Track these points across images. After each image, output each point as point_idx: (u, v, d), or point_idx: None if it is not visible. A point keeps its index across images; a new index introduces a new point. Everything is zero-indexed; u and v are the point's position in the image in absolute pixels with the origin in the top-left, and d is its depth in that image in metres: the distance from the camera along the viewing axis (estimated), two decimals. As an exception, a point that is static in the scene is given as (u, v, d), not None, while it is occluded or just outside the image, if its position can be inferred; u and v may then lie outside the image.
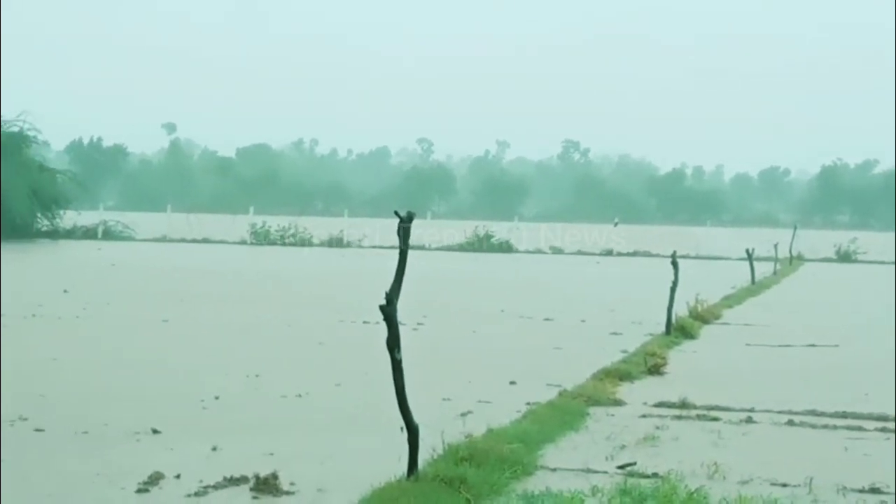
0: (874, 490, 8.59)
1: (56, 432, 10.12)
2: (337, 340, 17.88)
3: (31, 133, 61.84)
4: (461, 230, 59.98)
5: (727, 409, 12.00)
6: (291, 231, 60.48)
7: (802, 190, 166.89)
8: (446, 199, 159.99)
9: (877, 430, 11.08)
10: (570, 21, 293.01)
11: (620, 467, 9.08)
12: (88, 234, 60.86)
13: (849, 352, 17.90)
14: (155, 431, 10.17)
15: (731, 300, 27.34)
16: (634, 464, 9.16)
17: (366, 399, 12.06)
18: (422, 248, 52.27)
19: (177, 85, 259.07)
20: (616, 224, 65.61)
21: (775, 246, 43.35)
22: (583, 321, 21.61)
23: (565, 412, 11.41)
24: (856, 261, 54.92)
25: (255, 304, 24.07)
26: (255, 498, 8.02)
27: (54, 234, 59.57)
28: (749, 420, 11.51)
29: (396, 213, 8.21)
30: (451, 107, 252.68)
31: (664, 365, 15.00)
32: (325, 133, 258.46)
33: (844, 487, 8.62)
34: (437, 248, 55.82)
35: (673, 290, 19.68)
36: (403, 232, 8.18)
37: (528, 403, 11.97)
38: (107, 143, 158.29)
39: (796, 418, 11.60)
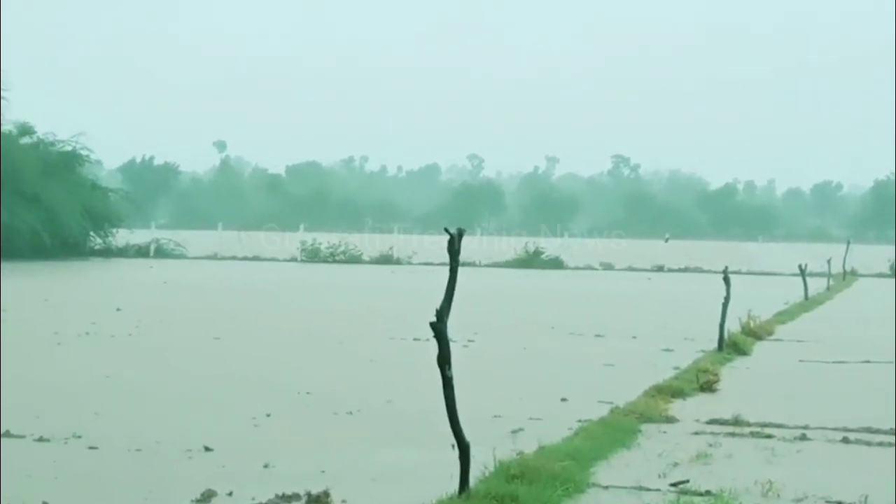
0: (931, 508, 8.48)
1: (109, 450, 10.17)
2: (388, 357, 17.89)
3: (83, 152, 62.45)
4: (511, 246, 59.97)
5: (781, 427, 11.89)
6: (342, 248, 60.64)
7: (855, 204, 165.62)
8: (496, 215, 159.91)
9: (933, 447, 10.94)
10: (620, 36, 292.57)
11: (673, 485, 9.01)
12: (140, 252, 61.28)
13: (904, 368, 17.69)
14: (207, 449, 10.20)
15: (784, 316, 27.11)
16: (687, 481, 9.10)
17: (417, 416, 12.04)
18: (472, 264, 52.26)
19: (227, 103, 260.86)
20: (667, 240, 65.46)
21: (828, 261, 42.98)
22: (634, 337, 21.51)
23: (617, 429, 11.34)
24: (910, 276, 54.33)
25: (305, 321, 24.13)
26: (306, 515, 8.02)
27: (107, 253, 60.04)
28: (803, 437, 11.40)
29: (446, 230, 8.20)
30: (501, 123, 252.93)
31: (717, 382, 14.88)
32: (375, 150, 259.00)
33: (901, 505, 8.52)
34: (487, 265, 55.78)
35: (725, 305, 19.54)
36: (453, 248, 8.17)
37: (579, 420, 11.92)
38: (158, 161, 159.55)
39: (851, 435, 11.47)
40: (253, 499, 8.34)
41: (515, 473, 8.62)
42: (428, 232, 77.89)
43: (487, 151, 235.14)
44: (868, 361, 18.28)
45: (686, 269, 55.63)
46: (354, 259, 59.25)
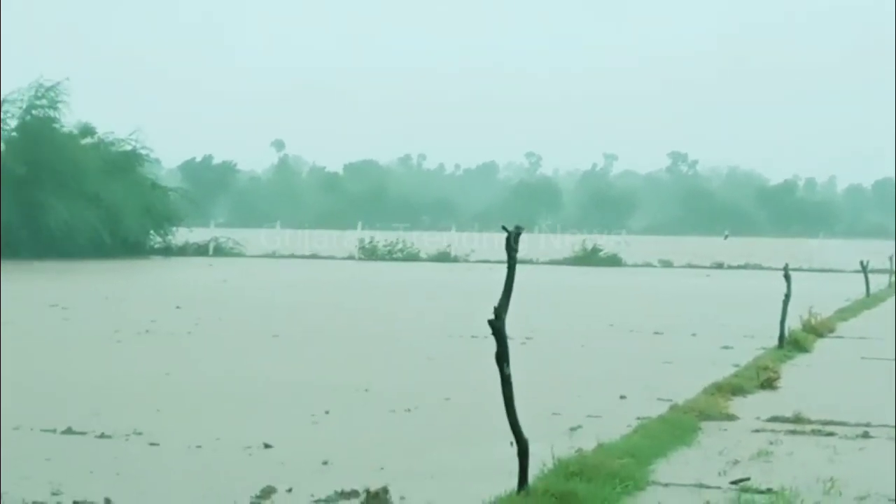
0: None
1: (170, 447, 10.24)
2: (446, 355, 17.89)
3: (143, 151, 62.97)
4: (569, 244, 59.83)
5: (842, 424, 11.77)
6: (399, 246, 60.78)
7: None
8: (553, 212, 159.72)
9: None
10: (678, 34, 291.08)
11: (734, 483, 8.94)
12: (200, 250, 61.73)
13: (968, 365, 17.46)
14: (266, 446, 10.25)
15: (845, 313, 26.85)
16: (748, 479, 9.02)
17: (475, 413, 12.04)
18: (529, 262, 52.14)
19: (285, 103, 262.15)
20: (726, 237, 65.12)
21: (890, 258, 42.46)
22: (693, 335, 21.38)
23: (677, 427, 11.28)
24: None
25: (363, 318, 24.19)
26: (365, 512, 8.04)
27: (166, 252, 60.54)
28: (865, 435, 11.27)
29: (504, 228, 8.18)
30: (559, 121, 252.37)
31: (777, 379, 14.76)
32: (433, 148, 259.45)
33: (966, 504, 8.40)
34: (545, 263, 55.67)
35: (786, 302, 19.38)
36: (511, 246, 8.15)
37: (638, 418, 11.86)
38: (217, 160, 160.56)
39: (915, 433, 11.33)
40: (312, 495, 8.37)
41: (574, 471, 8.59)
42: (485, 230, 77.96)
43: (545, 149, 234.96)
44: (931, 359, 18.04)
45: (746, 266, 55.24)
46: (412, 257, 59.35)
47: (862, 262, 34.41)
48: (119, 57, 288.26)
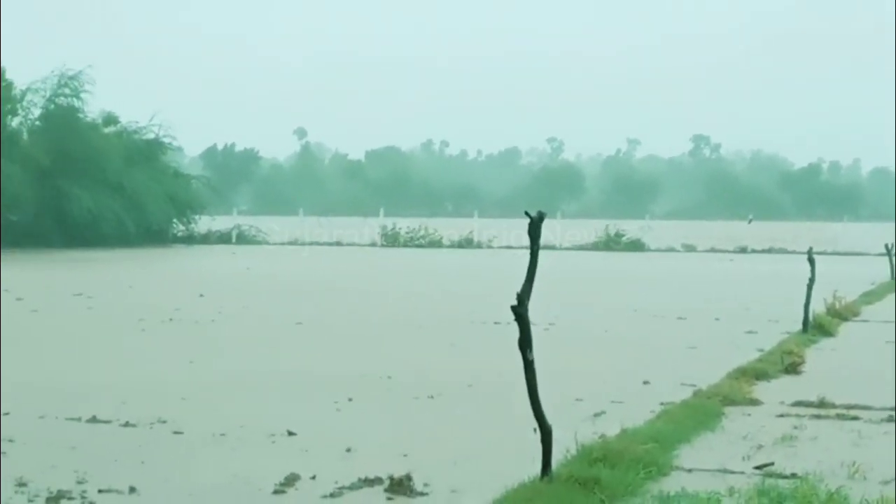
0: None
1: (194, 434, 10.28)
2: (468, 341, 17.90)
3: (166, 139, 63.09)
4: (592, 229, 59.74)
5: (867, 408, 11.73)
6: (422, 232, 60.80)
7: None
8: (576, 198, 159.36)
9: None
10: (701, 16, 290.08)
11: (758, 468, 8.93)
12: (223, 238, 61.86)
13: None
14: (290, 433, 10.27)
15: (870, 297, 26.75)
16: (772, 464, 9.00)
17: (498, 400, 12.04)
18: (552, 248, 52.10)
19: (307, 90, 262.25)
20: (750, 221, 64.86)
21: (915, 241, 42.31)
22: (717, 319, 21.33)
23: (700, 412, 11.26)
24: None
25: (386, 305, 24.22)
26: (389, 499, 8.05)
27: (190, 240, 60.69)
28: (890, 419, 11.23)
29: (527, 213, 8.17)
30: (581, 106, 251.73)
31: (801, 363, 14.72)
32: (455, 134, 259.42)
33: None
34: (568, 248, 55.62)
35: (810, 286, 19.31)
36: (534, 232, 8.13)
37: (662, 403, 11.85)
38: (239, 148, 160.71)
39: (940, 417, 11.28)
40: (336, 482, 8.38)
41: (598, 457, 8.59)
42: (508, 216, 77.85)
43: (567, 134, 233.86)
44: (957, 342, 17.96)
45: (770, 251, 55.10)
46: (434, 243, 59.36)
47: (887, 246, 34.27)
48: (141, 45, 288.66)
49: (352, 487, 8.29)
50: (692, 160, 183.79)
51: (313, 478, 8.53)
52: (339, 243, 60.01)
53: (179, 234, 61.36)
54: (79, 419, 10.87)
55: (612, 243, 57.20)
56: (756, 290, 29.43)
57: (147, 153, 60.71)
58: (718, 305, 24.12)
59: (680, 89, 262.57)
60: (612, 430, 9.85)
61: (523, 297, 7.95)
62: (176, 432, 10.37)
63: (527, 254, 8.17)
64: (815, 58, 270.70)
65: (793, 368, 14.50)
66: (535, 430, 8.30)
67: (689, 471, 8.86)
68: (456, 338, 18.25)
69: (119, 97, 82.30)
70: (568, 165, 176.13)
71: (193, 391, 12.74)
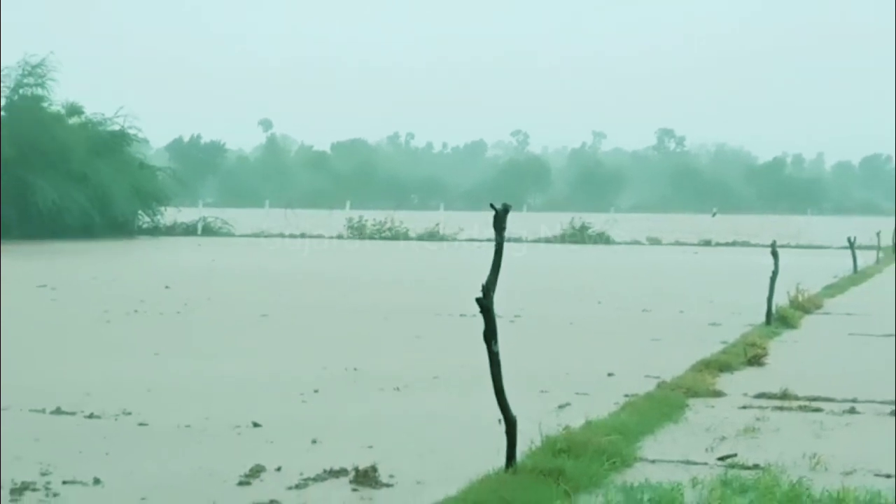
0: (982, 481, 8.41)
1: (159, 426, 10.26)
2: (434, 333, 17.92)
3: (131, 131, 62.74)
4: (557, 222, 59.83)
5: (829, 400, 11.83)
6: (388, 225, 60.74)
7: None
8: (542, 190, 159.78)
9: (984, 420, 10.84)
10: (664, 12, 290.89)
11: (721, 459, 8.99)
12: (188, 230, 61.64)
13: (954, 341, 17.52)
14: (255, 425, 10.27)
15: (832, 289, 26.93)
16: (735, 455, 9.07)
17: (464, 391, 12.08)
18: (518, 240, 52.07)
19: (272, 81, 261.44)
20: (714, 214, 65.18)
21: (878, 234, 42.65)
22: (681, 312, 21.44)
23: (664, 404, 11.32)
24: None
25: (351, 297, 24.20)
26: (354, 490, 8.07)
27: (155, 232, 60.43)
28: (852, 411, 11.33)
29: (492, 206, 8.19)
30: (547, 98, 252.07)
31: (764, 355, 14.81)
32: (421, 127, 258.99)
33: (951, 479, 8.45)
34: (534, 241, 55.67)
35: (773, 279, 19.44)
36: (499, 224, 8.16)
37: (626, 395, 11.91)
38: (205, 140, 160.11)
39: (901, 409, 11.38)
40: (301, 474, 8.40)
41: (562, 448, 8.63)
42: (474, 208, 77.88)
43: (532, 127, 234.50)
44: (918, 334, 18.11)
45: (734, 244, 55.31)
46: (400, 235, 59.32)
47: (849, 239, 34.50)
48: (106, 35, 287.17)
49: (317, 479, 8.31)
50: (657, 153, 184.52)
51: (278, 469, 8.54)
52: (305, 235, 59.84)
53: (145, 225, 61.09)
54: (43, 411, 10.84)
55: (577, 236, 57.28)
56: (720, 283, 29.58)
57: (112, 145, 60.37)
58: (682, 298, 24.23)
59: (645, 83, 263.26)
60: (577, 422, 9.90)
61: (488, 288, 7.99)
62: (141, 424, 10.35)
63: (492, 246, 8.20)
64: (779, 52, 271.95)
65: (756, 360, 14.59)
66: (499, 421, 8.34)
67: (653, 462, 8.92)
68: (421, 330, 18.27)
69: (83, 88, 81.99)
70: (534, 158, 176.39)
71: (158, 383, 12.71)
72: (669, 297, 24.75)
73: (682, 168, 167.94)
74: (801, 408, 11.46)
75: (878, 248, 42.16)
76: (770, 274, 19.58)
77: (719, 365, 14.07)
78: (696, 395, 12.05)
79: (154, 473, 8.53)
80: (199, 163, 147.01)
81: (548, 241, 56.55)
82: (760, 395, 12.08)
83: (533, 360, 14.37)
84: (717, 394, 12.24)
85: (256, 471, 8.47)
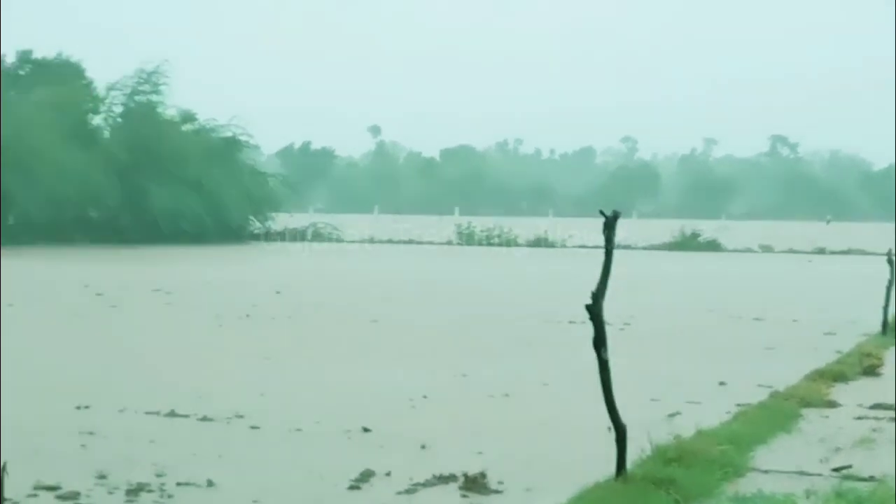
0: None
1: (271, 430, 10.36)
2: (543, 340, 17.88)
3: (243, 138, 63.59)
4: (667, 229, 59.40)
5: (948, 412, 11.57)
6: (497, 231, 60.81)
7: None
8: (652, 197, 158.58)
9: None
10: (779, 15, 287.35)
11: (835, 470, 8.84)
12: (298, 236, 62.20)
13: None
14: (365, 430, 10.32)
15: (951, 299, 26.30)
16: (850, 466, 8.92)
17: (573, 399, 12.03)
18: (627, 247, 51.83)
19: (381, 88, 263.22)
20: (829, 221, 64.13)
21: None
22: (795, 321, 21.13)
23: (777, 413, 11.17)
24: None
25: (461, 304, 24.24)
26: (464, 496, 8.07)
27: (266, 237, 61.12)
28: (972, 423, 11.07)
29: (601, 213, 8.15)
30: (657, 104, 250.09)
31: (880, 365, 14.55)
32: (529, 133, 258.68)
33: None
34: (643, 248, 55.32)
35: (889, 288, 19.07)
36: (608, 231, 8.12)
37: (738, 404, 11.77)
38: (315, 146, 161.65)
39: None
40: (411, 479, 8.42)
41: (673, 457, 8.55)
42: (583, 215, 77.59)
43: (642, 134, 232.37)
44: None
45: (848, 252, 54.44)
46: (509, 242, 59.33)
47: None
48: (219, 44, 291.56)
49: (426, 484, 8.33)
50: (770, 160, 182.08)
51: (388, 474, 8.58)
52: (413, 241, 60.16)
53: (256, 231, 61.81)
54: (158, 413, 11.00)
55: (687, 243, 56.85)
56: (834, 292, 29.13)
57: (224, 151, 61.25)
58: (796, 307, 23.89)
59: (757, 89, 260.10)
60: (688, 431, 9.79)
61: (598, 295, 7.94)
62: (253, 427, 10.46)
63: (601, 253, 8.15)
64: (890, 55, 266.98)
65: (871, 371, 14.34)
66: (609, 429, 8.29)
67: (766, 472, 8.80)
68: (531, 336, 18.24)
69: (196, 96, 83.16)
70: (644, 164, 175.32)
71: (270, 387, 12.84)
72: (782, 305, 24.42)
73: (796, 175, 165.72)
74: (918, 419, 11.22)
75: None
76: (886, 283, 19.21)
77: (833, 375, 13.84)
78: (809, 404, 11.87)
79: (266, 476, 8.61)
80: (309, 169, 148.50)
81: (658, 248, 56.13)
82: (876, 406, 11.86)
83: (643, 368, 14.26)
84: (832, 404, 12.04)
85: (366, 475, 8.52)
